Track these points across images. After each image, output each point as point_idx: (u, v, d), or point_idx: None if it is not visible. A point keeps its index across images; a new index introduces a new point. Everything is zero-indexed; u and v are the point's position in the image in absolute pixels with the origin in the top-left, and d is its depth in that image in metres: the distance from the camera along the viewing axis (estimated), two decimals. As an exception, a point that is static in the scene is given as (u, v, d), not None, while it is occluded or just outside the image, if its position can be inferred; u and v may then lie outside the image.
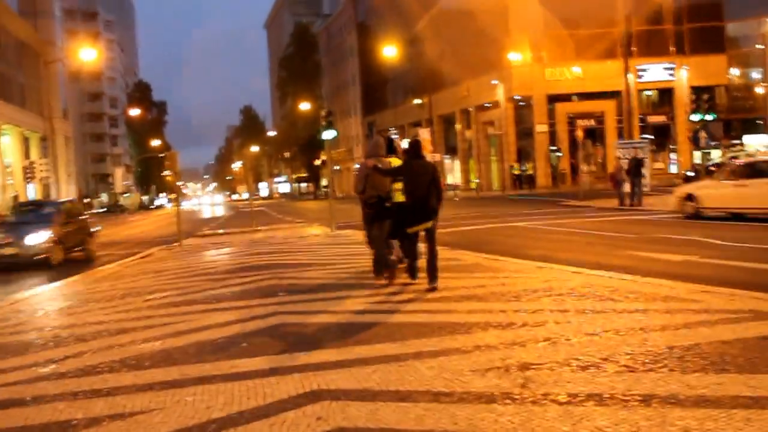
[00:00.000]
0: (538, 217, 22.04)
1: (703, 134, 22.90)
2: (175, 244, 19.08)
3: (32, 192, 56.97)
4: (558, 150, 46.98)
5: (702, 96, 23.73)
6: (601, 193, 31.87)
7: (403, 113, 65.93)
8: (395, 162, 9.65)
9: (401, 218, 9.04)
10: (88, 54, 45.98)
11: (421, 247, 9.24)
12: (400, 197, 9.25)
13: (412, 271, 9.26)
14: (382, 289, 8.87)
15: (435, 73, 55.53)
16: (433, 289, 8.57)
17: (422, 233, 8.94)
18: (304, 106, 77.02)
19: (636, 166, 24.84)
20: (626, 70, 30.19)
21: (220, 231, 26.01)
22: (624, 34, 32.12)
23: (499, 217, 23.40)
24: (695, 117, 23.70)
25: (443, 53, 55.92)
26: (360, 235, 17.08)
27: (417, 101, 58.91)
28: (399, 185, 9.26)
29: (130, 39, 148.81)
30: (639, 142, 29.03)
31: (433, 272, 8.71)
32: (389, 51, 51.58)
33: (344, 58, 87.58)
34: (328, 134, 19.50)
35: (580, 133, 30.20)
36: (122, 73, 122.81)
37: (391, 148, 10.05)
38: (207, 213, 57.54)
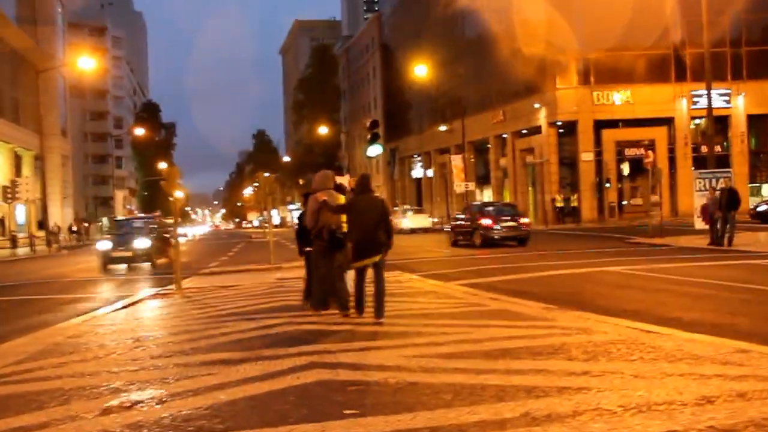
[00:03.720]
0: (618, 259, 18.06)
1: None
2: (172, 287, 14.68)
3: (22, 214, 52.86)
4: (607, 181, 42.74)
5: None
6: (674, 229, 27.82)
7: (429, 139, 61.92)
8: (341, 199, 9.59)
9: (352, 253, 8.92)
10: (86, 63, 41.90)
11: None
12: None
13: (360, 306, 8.97)
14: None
15: (466, 97, 51.65)
16: (379, 323, 8.44)
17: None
18: (322, 130, 73.60)
19: (731, 198, 20.77)
20: (709, 92, 25.95)
21: (232, 268, 21.26)
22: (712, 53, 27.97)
23: (571, 257, 19.13)
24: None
25: (475, 75, 52.07)
26: (417, 282, 13.26)
27: (443, 128, 54.95)
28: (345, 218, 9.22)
29: (140, 59, 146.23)
30: (723, 172, 24.97)
31: (380, 307, 8.64)
32: (419, 71, 47.64)
33: (365, 80, 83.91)
34: (373, 150, 15.24)
35: (650, 160, 25.98)
36: (130, 92, 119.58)
37: (337, 188, 9.95)
38: (216, 243, 53.27)
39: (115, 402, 5.37)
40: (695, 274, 14.00)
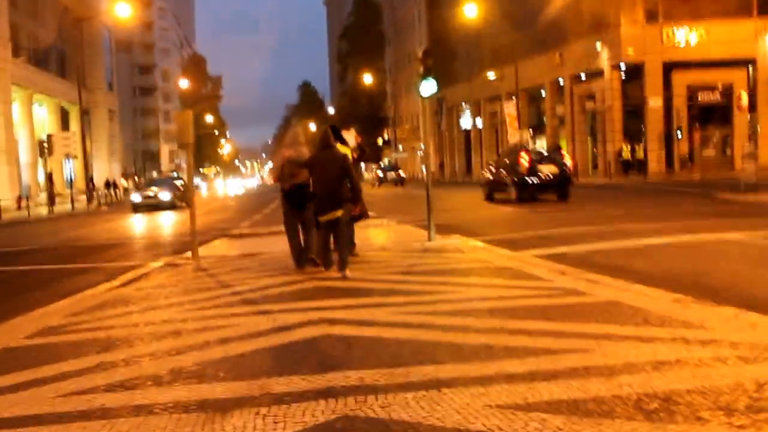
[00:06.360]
0: (723, 220, 14.85)
1: None
2: (188, 255, 12.36)
3: (71, 169, 51.92)
4: (678, 129, 39.08)
5: None
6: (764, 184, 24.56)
7: (478, 87, 58.52)
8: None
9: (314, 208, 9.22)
10: (125, 10, 40.04)
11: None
12: None
13: (343, 264, 8.89)
14: None
15: (518, 40, 48.22)
16: (345, 278, 8.63)
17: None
18: (367, 79, 71.09)
19: None
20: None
21: (263, 230, 18.70)
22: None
23: (660, 219, 16.18)
24: None
25: (529, 15, 48.43)
26: (488, 256, 10.70)
27: (490, 74, 51.66)
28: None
29: (186, 10, 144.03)
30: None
31: (343, 262, 8.88)
32: (468, 11, 44.39)
33: (410, 27, 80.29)
34: (426, 87, 12.48)
35: (742, 103, 22.50)
36: (177, 45, 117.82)
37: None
38: (254, 198, 51.31)
39: None
40: None
